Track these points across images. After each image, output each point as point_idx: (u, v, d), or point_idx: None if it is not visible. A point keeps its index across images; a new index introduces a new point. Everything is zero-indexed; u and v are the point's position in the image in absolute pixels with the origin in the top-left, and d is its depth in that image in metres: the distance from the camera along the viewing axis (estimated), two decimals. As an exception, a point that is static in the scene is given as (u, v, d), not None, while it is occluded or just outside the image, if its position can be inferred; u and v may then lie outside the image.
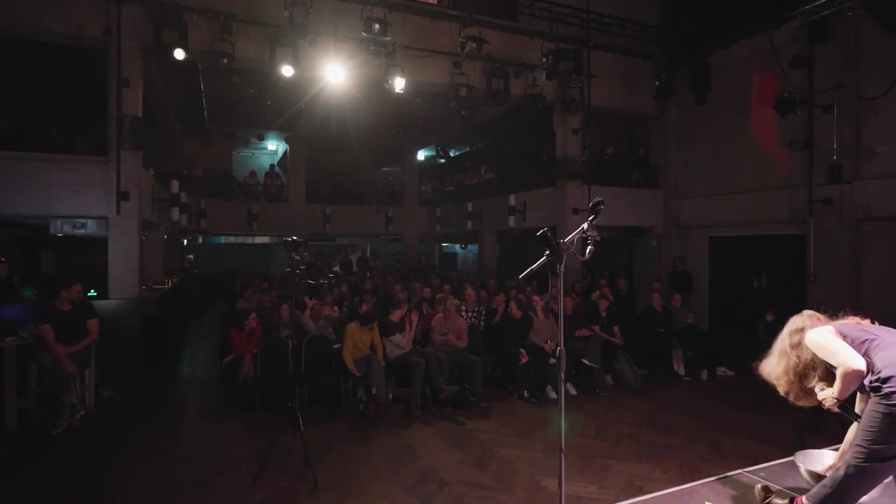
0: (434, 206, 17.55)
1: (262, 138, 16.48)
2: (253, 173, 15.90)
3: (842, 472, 2.39)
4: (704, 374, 7.37)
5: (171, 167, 12.64)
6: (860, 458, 2.34)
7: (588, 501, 3.73)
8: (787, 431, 5.05)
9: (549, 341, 6.67)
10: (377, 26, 7.27)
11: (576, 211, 10.51)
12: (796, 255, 9.02)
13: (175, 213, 9.30)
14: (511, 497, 3.82)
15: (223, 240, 19.18)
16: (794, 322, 2.68)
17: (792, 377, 2.60)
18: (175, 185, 9.27)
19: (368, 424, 5.35)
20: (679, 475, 4.11)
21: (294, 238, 4.13)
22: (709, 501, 3.01)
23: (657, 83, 9.58)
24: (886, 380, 2.31)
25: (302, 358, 6.01)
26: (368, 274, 12.37)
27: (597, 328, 7.15)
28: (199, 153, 16.48)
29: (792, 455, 3.93)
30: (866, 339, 2.45)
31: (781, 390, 2.68)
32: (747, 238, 10.19)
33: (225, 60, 7.64)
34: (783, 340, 2.67)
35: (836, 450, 3.01)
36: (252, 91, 9.62)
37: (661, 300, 7.97)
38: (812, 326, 2.59)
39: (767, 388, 2.77)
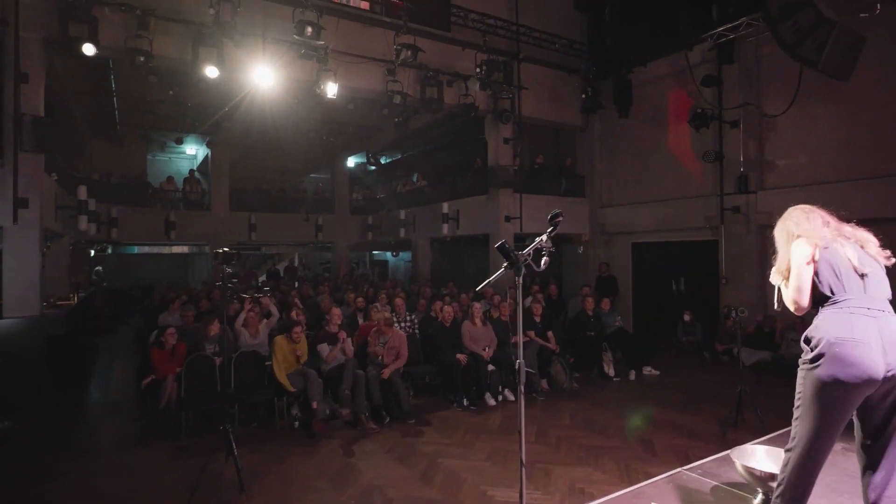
0: (366, 213, 17.30)
1: (180, 142, 15.53)
2: (171, 179, 14.93)
3: (784, 460, 2.50)
4: (633, 375, 7.71)
5: (78, 172, 11.61)
6: (792, 441, 2.47)
7: (534, 508, 3.76)
8: (713, 427, 5.37)
9: (486, 348, 6.72)
10: (310, 30, 7.07)
11: (507, 219, 10.72)
12: (710, 260, 9.70)
13: (83, 221, 8.55)
14: (458, 510, 3.77)
15: (135, 250, 17.88)
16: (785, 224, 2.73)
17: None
18: (82, 192, 8.53)
19: (306, 443, 5.12)
20: (618, 476, 4.24)
21: (225, 249, 3.88)
22: (654, 502, 3.11)
23: (583, 96, 10.00)
24: (809, 341, 2.41)
25: (231, 376, 5.67)
26: (297, 284, 11.95)
27: (532, 333, 7.29)
28: (109, 157, 15.29)
29: (721, 450, 4.20)
30: (839, 292, 2.43)
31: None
32: (666, 244, 10.83)
33: (142, 58, 7.14)
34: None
35: (766, 444, 3.22)
36: (171, 92, 9.03)
37: (593, 304, 8.27)
38: (799, 233, 2.60)
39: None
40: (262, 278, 17.44)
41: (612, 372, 7.71)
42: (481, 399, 6.42)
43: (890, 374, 2.27)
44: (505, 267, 2.25)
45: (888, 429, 2.37)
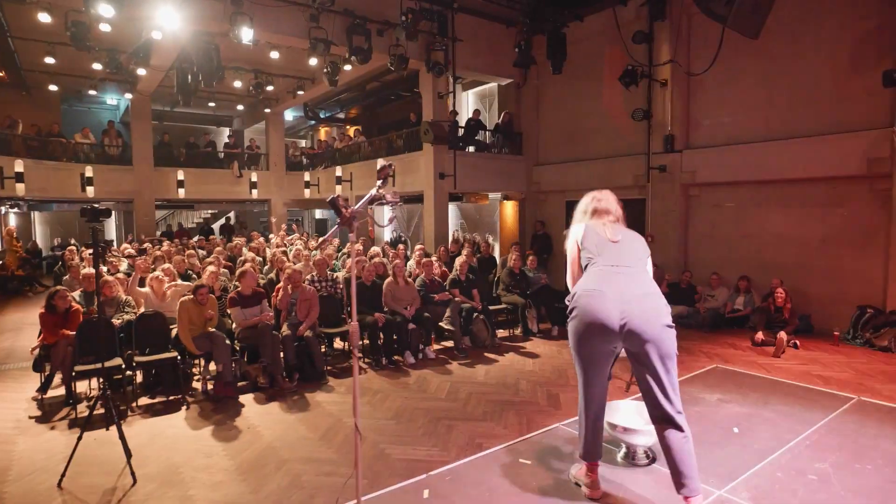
0: (303, 169, 16.72)
1: (97, 89, 14.33)
2: (86, 130, 13.85)
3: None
4: (555, 331, 7.88)
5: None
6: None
7: (427, 464, 3.76)
8: (619, 382, 5.54)
9: (408, 307, 6.66)
10: (212, -35, 6.46)
11: (442, 176, 10.55)
12: (640, 218, 9.89)
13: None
14: (350, 469, 3.74)
15: (53, 207, 16.73)
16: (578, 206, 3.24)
17: None
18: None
19: (209, 407, 4.97)
20: (517, 430, 4.31)
21: (95, 206, 3.56)
22: (524, 459, 3.18)
23: (516, 50, 9.75)
24: (570, 299, 2.83)
25: (133, 338, 5.39)
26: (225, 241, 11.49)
27: (456, 291, 7.28)
28: (16, 106, 14.00)
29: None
30: (590, 257, 2.88)
31: None
32: (598, 202, 10.92)
33: (22, -8, 6.39)
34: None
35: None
36: (68, 32, 8.19)
37: (520, 262, 8.32)
38: (579, 220, 3.15)
39: None
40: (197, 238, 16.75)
41: (535, 328, 7.85)
42: (402, 357, 6.41)
43: (624, 322, 2.60)
44: (338, 223, 2.11)
45: (643, 385, 2.76)
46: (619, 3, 9.30)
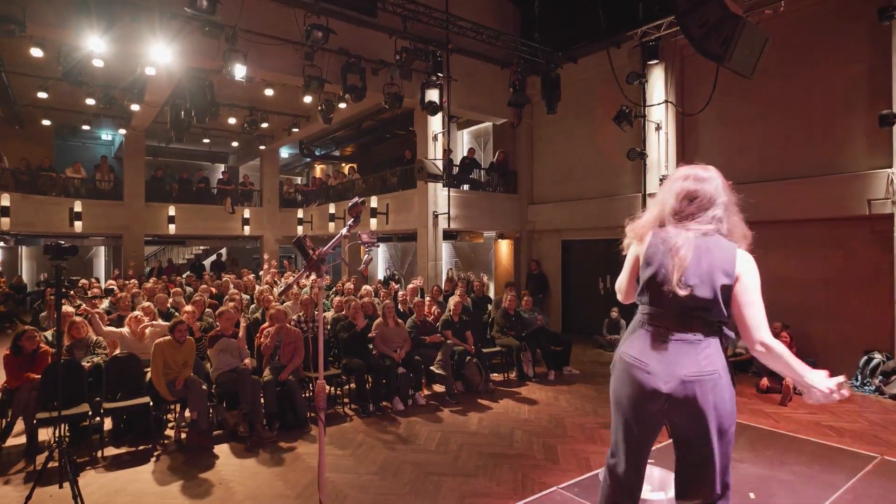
0: (296, 206, 16.61)
1: (90, 125, 14.29)
2: (77, 166, 13.71)
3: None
4: (552, 375, 7.56)
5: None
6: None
7: (414, 528, 3.43)
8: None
9: (398, 349, 6.37)
10: (205, 3, 6.44)
11: (436, 215, 10.41)
12: (635, 258, 9.71)
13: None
14: (329, 534, 3.40)
15: (40, 242, 16.43)
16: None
17: None
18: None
19: (181, 458, 4.61)
20: (511, 487, 3.99)
21: (60, 242, 3.33)
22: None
23: (511, 90, 9.78)
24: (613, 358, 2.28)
25: (103, 382, 5.06)
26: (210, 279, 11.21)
27: (449, 333, 6.99)
28: (10, 141, 13.92)
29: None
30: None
31: None
32: (594, 242, 10.81)
33: (12, 27, 6.31)
34: None
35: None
36: (61, 67, 8.14)
37: (515, 303, 8.07)
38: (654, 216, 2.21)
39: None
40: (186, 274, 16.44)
41: (531, 372, 7.54)
42: (390, 403, 6.08)
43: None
44: (305, 267, 1.89)
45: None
46: (612, 45, 9.39)
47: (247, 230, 15.36)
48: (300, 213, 15.78)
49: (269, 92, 10.21)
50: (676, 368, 1.99)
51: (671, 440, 2.20)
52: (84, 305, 6.51)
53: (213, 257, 19.31)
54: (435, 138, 10.46)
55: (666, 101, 8.89)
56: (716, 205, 2.10)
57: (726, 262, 1.99)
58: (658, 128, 9.11)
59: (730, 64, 4.71)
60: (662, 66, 9.07)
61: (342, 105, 10.55)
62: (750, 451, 4.68)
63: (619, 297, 2.41)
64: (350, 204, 1.93)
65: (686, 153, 9.08)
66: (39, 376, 4.84)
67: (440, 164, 10.22)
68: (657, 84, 9.17)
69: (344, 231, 1.91)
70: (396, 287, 9.48)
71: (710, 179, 2.14)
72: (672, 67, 9.12)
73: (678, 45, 8.84)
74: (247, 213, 15.32)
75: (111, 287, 8.57)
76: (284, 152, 18.54)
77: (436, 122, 10.49)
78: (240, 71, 7.61)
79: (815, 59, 7.62)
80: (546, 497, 3.68)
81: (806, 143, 7.73)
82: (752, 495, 3.72)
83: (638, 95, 9.19)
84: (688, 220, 2.07)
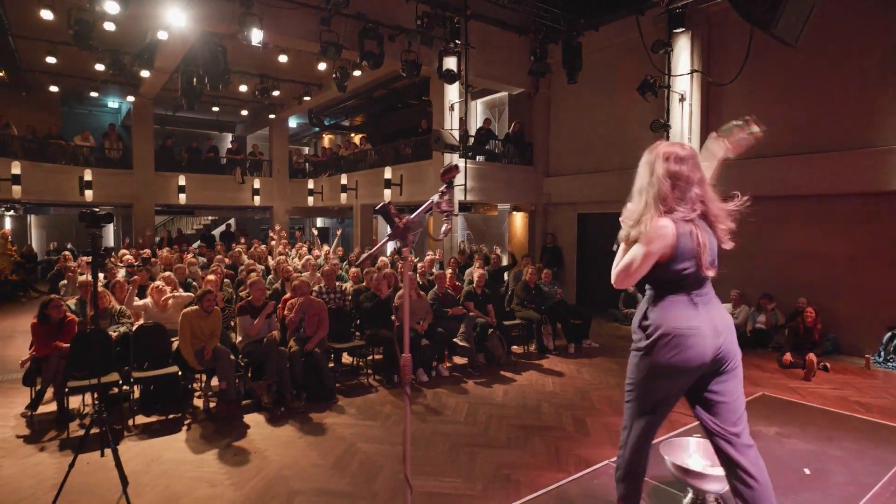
0: (306, 177, 16.45)
1: (99, 92, 14.07)
2: (86, 133, 13.53)
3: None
4: (572, 348, 7.56)
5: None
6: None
7: (453, 498, 3.43)
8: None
9: (421, 321, 6.34)
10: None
11: (451, 185, 10.26)
12: (653, 232, 9.60)
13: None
14: (370, 502, 3.41)
15: (50, 211, 16.42)
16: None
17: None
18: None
19: (211, 427, 4.63)
20: (546, 459, 3.99)
21: (94, 210, 3.25)
22: None
23: (531, 58, 9.52)
24: (652, 334, 2.21)
25: (130, 352, 5.05)
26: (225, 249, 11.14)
27: (471, 305, 6.96)
28: (16, 108, 13.72)
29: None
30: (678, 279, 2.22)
31: None
32: (611, 215, 10.65)
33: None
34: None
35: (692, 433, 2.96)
36: (71, 31, 7.91)
37: (535, 277, 8.01)
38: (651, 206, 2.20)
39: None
40: (197, 244, 16.40)
41: (551, 345, 7.53)
42: (414, 375, 6.08)
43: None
44: (388, 236, 1.81)
45: None
46: (637, 12, 9.08)
47: (257, 200, 15.25)
48: (310, 184, 15.63)
49: (283, 58, 9.97)
50: (717, 323, 2.24)
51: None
52: (124, 276, 6.48)
53: (223, 227, 19.25)
54: (451, 108, 10.24)
55: (692, 71, 8.64)
56: (694, 183, 2.20)
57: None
58: (682, 98, 8.88)
59: (776, 30, 4.50)
60: (689, 35, 8.78)
61: (357, 73, 10.31)
62: (793, 425, 4.64)
63: (621, 284, 2.36)
64: (443, 169, 1.84)
65: (710, 125, 8.87)
66: (68, 345, 4.84)
67: (457, 134, 10.04)
68: (682, 53, 8.90)
69: (436, 198, 1.82)
70: (416, 260, 9.41)
71: (687, 158, 2.22)
72: (699, 36, 8.83)
73: (708, 12, 8.54)
74: (257, 184, 15.18)
75: (147, 256, 8.57)
76: (292, 122, 18.27)
77: (452, 92, 10.25)
78: (256, 35, 7.41)
79: (847, 30, 7.36)
80: (599, 470, 3.64)
81: (836, 115, 7.52)
82: (807, 471, 3.67)
83: (662, 65, 8.93)
84: (681, 203, 2.18)
